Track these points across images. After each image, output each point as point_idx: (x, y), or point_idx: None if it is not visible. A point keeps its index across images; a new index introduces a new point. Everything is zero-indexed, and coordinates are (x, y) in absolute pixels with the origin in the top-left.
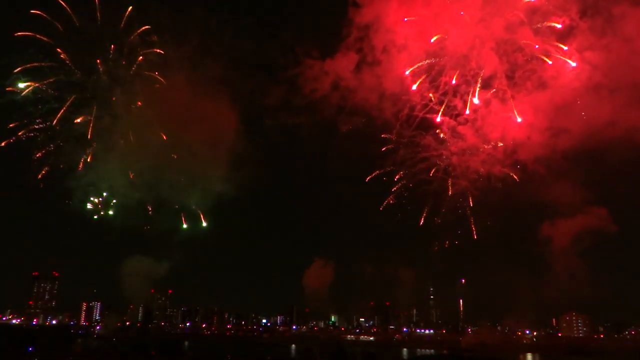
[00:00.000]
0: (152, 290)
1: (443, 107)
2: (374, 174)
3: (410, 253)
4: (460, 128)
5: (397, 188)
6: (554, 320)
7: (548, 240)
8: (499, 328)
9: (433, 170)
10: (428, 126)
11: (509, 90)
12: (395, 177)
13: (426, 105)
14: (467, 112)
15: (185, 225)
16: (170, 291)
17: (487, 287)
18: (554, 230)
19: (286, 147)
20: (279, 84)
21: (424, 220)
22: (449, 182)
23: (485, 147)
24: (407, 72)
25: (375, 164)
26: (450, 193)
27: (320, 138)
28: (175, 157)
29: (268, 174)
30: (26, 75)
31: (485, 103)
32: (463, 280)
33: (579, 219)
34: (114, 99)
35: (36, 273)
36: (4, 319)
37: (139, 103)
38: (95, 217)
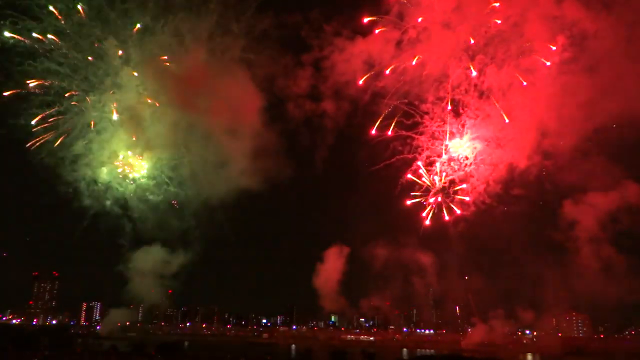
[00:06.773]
0: (152, 290)
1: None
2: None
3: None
4: (489, 112)
5: (415, 177)
6: (554, 320)
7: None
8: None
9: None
10: (456, 111)
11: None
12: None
13: (458, 87)
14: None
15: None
16: (170, 291)
17: (497, 281)
18: (578, 212)
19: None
20: (304, 66)
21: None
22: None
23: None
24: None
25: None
26: (465, 184)
27: (347, 127)
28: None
29: (284, 170)
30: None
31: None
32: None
33: (611, 196)
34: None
35: (36, 273)
36: (4, 319)
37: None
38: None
